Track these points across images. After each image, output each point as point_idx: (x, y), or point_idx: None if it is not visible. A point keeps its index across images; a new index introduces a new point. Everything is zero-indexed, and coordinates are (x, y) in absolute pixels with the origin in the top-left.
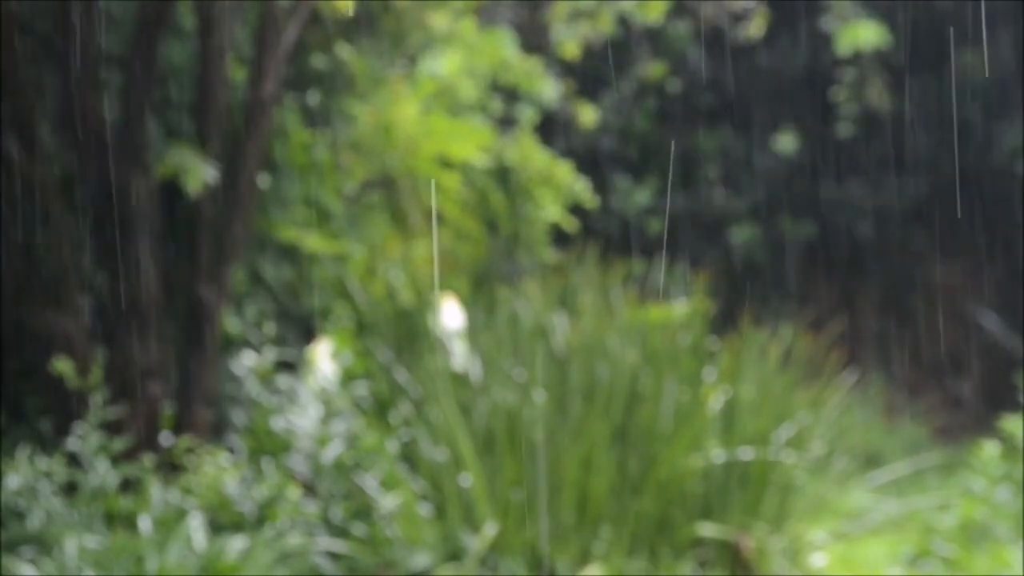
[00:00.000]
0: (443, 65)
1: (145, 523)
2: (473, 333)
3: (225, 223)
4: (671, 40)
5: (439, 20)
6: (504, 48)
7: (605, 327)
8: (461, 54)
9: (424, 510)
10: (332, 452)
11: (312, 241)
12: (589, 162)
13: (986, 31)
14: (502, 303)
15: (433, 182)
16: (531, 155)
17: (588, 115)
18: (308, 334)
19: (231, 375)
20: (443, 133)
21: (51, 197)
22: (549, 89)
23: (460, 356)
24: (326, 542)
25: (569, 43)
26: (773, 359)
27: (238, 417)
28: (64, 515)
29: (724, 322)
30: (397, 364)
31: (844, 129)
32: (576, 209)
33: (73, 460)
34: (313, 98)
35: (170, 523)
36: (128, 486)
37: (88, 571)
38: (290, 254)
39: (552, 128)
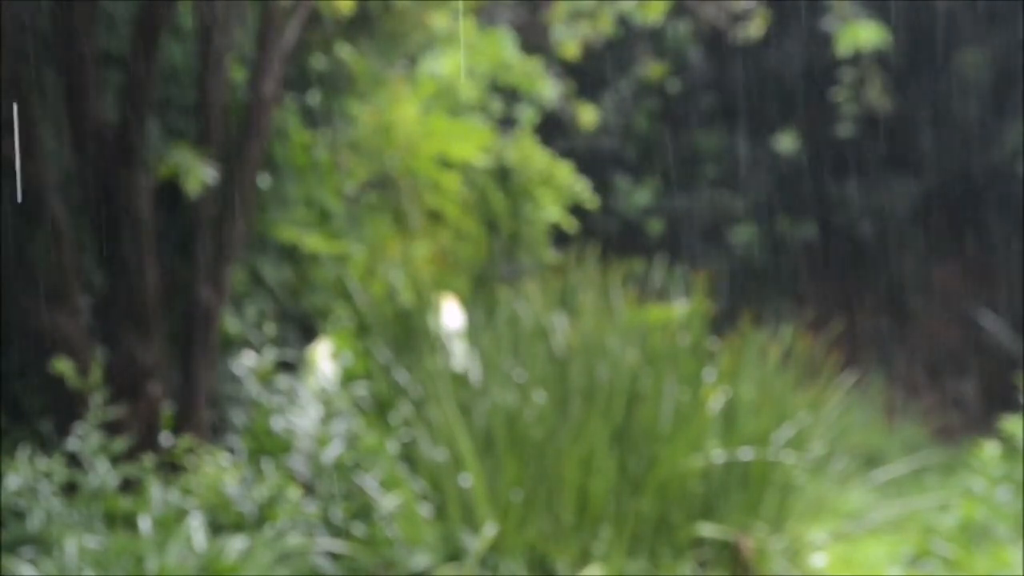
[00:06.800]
0: (443, 65)
1: (145, 523)
2: (473, 333)
3: (225, 223)
4: (671, 40)
5: (439, 20)
6: (504, 48)
7: (605, 327)
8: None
9: (424, 510)
10: (332, 452)
11: (312, 241)
12: (589, 162)
13: (986, 31)
14: (502, 303)
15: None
16: (531, 155)
17: (588, 115)
18: (308, 334)
19: (231, 375)
20: (443, 133)
21: (51, 197)
22: (549, 89)
23: (460, 356)
24: (326, 542)
25: (569, 43)
26: (773, 359)
27: (238, 417)
28: (64, 515)
29: (724, 322)
30: (397, 364)
31: (844, 129)
32: (576, 209)
33: (73, 460)
34: (313, 98)
35: (170, 523)
36: (128, 486)
37: (88, 571)
38: (290, 254)
39: (552, 128)
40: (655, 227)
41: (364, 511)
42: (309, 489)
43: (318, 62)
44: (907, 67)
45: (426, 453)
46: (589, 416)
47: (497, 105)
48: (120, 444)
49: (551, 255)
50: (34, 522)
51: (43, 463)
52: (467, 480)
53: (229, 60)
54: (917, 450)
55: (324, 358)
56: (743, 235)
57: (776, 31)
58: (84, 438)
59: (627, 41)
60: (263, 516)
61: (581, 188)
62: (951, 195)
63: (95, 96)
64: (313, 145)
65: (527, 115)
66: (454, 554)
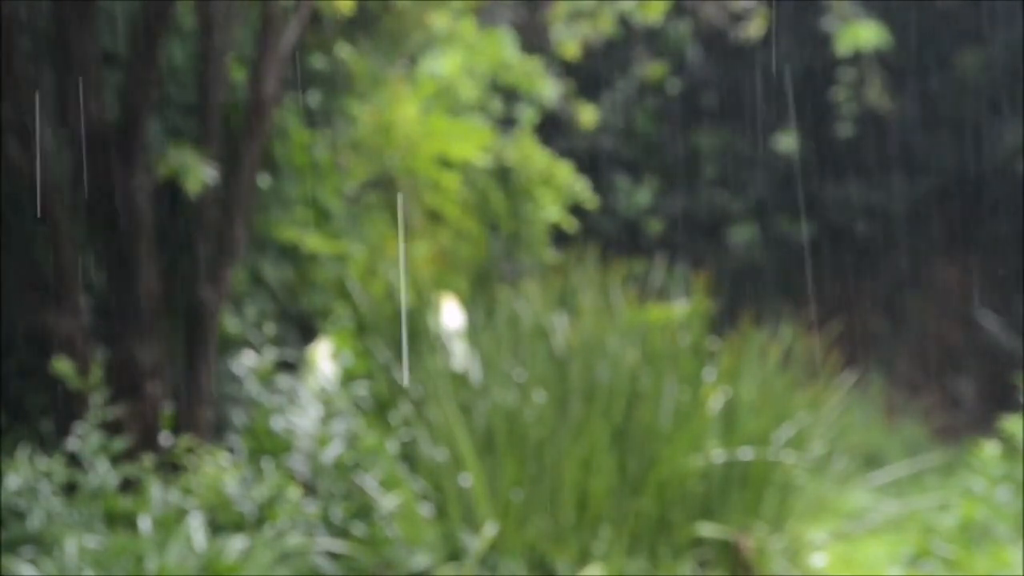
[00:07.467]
0: (443, 65)
1: (145, 523)
2: (473, 333)
3: (225, 223)
4: (671, 40)
5: (439, 20)
6: (504, 48)
7: (605, 327)
8: (461, 54)
9: (424, 510)
10: (332, 452)
11: (312, 241)
12: (589, 162)
13: (986, 31)
14: (502, 303)
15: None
16: (531, 155)
17: (588, 115)
18: (308, 334)
19: (231, 375)
20: (443, 133)
21: (51, 197)
22: (549, 89)
23: (460, 356)
24: (326, 542)
25: (569, 43)
26: (773, 359)
27: (238, 417)
28: (64, 515)
29: (724, 322)
30: (397, 364)
31: (844, 129)
32: (576, 209)
33: (73, 460)
34: (313, 98)
35: (170, 523)
36: (128, 486)
37: (88, 571)
38: (290, 254)
39: (552, 128)
40: (655, 227)
41: (364, 511)
42: (309, 489)
43: (318, 62)
44: (907, 67)
45: (426, 453)
46: (589, 416)
47: (497, 105)
48: (120, 444)
49: (551, 255)
50: (34, 522)
51: (43, 463)
52: (467, 480)
53: (229, 60)
54: (917, 450)
55: (324, 358)
56: (743, 235)
57: (776, 31)
58: (84, 438)
59: (627, 41)
60: (263, 516)
61: (581, 188)
62: (951, 195)
63: (95, 96)
64: (313, 145)
65: (527, 115)
66: (454, 554)
